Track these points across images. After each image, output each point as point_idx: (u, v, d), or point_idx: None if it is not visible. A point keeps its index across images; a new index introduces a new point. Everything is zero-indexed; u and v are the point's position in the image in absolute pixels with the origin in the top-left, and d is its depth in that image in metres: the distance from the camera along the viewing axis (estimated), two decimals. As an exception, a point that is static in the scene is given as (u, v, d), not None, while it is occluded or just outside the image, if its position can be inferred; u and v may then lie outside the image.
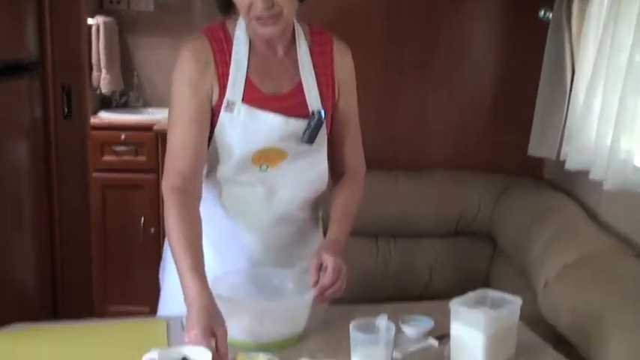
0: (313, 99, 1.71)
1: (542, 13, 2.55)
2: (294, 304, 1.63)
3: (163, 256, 1.88)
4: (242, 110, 1.66)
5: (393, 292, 2.70)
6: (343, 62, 1.76)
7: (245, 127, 1.66)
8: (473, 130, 2.91)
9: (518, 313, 1.54)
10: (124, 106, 3.93)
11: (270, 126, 1.66)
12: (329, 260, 1.62)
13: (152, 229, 3.43)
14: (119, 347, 1.52)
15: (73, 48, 2.67)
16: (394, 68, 2.87)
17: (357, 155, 1.86)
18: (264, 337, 1.56)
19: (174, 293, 1.75)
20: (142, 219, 3.41)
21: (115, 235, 3.50)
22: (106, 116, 3.65)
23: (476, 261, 2.76)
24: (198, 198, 1.67)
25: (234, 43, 1.68)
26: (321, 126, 1.70)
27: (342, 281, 1.63)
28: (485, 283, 2.69)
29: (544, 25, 2.51)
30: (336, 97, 1.76)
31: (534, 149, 2.57)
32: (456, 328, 1.51)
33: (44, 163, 2.65)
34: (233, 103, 1.65)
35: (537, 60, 2.52)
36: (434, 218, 2.74)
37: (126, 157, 3.43)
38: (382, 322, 1.46)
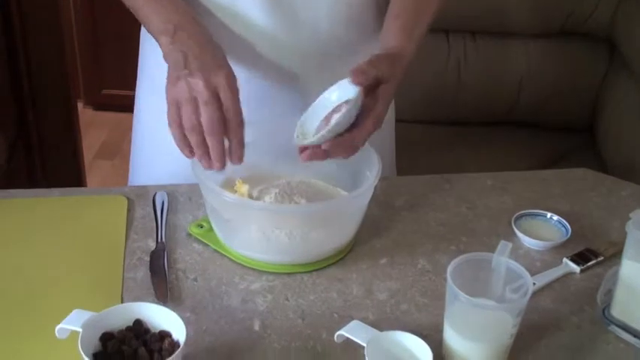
0: None
1: None
2: (336, 207, 0.97)
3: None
4: None
5: (468, 112, 2.13)
6: None
7: None
8: None
9: None
10: None
11: None
12: (381, 97, 0.90)
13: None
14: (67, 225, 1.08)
15: None
16: None
17: None
18: (285, 256, 0.95)
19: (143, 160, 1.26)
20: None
21: (104, 8, 2.90)
22: None
23: (584, 74, 2.07)
24: None
25: None
26: None
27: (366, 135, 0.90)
28: (595, 103, 2.06)
29: None
30: None
31: None
32: (636, 270, 0.84)
33: None
34: None
35: None
36: (531, 10, 2.03)
37: None
38: (501, 259, 0.81)
